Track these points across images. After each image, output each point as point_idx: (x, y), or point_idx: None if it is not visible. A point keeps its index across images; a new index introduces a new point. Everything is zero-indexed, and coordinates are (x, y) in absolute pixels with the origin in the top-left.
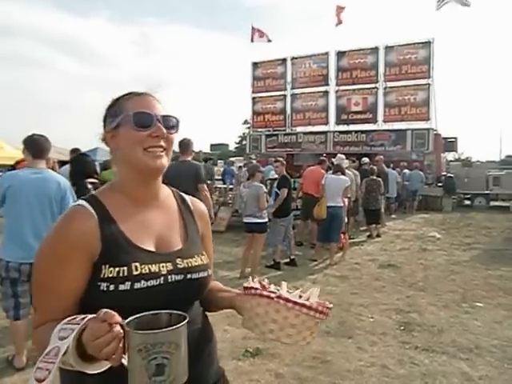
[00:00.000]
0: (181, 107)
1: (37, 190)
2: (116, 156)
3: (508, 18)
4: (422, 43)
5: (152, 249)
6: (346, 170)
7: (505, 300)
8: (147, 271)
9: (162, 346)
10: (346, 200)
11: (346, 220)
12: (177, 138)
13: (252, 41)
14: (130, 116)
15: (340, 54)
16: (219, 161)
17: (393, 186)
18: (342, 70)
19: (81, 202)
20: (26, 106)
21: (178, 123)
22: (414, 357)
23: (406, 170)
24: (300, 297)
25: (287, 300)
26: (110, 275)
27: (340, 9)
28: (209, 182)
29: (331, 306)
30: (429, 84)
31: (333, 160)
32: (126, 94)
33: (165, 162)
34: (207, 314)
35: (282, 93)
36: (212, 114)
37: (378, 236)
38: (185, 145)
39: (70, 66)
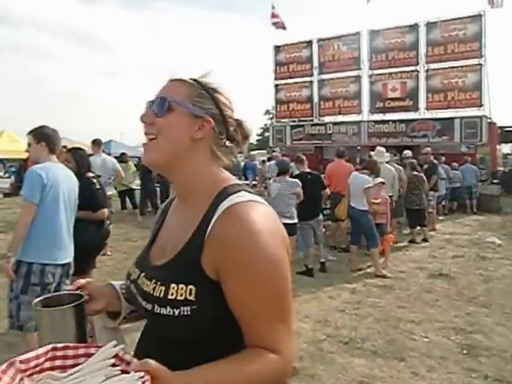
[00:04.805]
0: None
1: (68, 186)
2: None
3: None
4: (472, 17)
5: (151, 253)
6: (388, 165)
7: None
8: (129, 270)
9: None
10: (389, 199)
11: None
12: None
13: (273, 24)
14: None
15: (373, 34)
16: (238, 155)
17: (440, 182)
18: (376, 51)
19: None
20: (39, 99)
21: (161, 105)
22: None
23: (445, 166)
24: None
25: None
26: None
27: None
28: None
29: None
30: (480, 64)
31: (371, 153)
32: None
33: (152, 156)
34: None
35: (309, 79)
36: None
37: (425, 240)
38: None
39: (81, 55)
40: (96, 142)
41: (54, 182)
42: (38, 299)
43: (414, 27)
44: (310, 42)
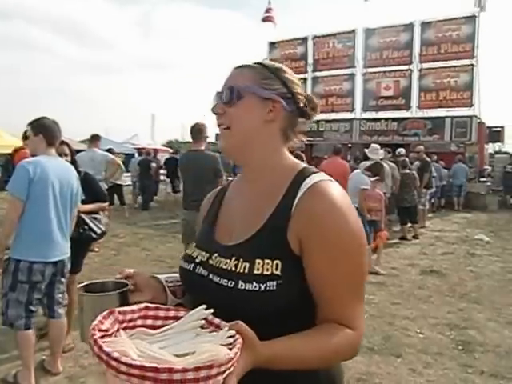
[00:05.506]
0: (183, 93)
1: (61, 180)
2: None
3: None
4: (465, 18)
5: (217, 234)
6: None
7: None
8: (189, 253)
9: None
10: (383, 196)
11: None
12: (240, 110)
13: (263, 21)
14: None
15: (368, 32)
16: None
17: (431, 179)
18: (371, 49)
19: None
20: (24, 92)
21: (230, 94)
22: None
23: (437, 164)
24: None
25: (142, 368)
26: None
27: None
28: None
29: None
30: (472, 65)
31: (365, 151)
32: None
33: (229, 144)
34: None
35: (303, 76)
36: None
37: (416, 237)
38: (196, 130)
39: (69, 50)
40: (94, 137)
41: (42, 176)
42: (83, 284)
43: (408, 26)
44: (305, 39)
